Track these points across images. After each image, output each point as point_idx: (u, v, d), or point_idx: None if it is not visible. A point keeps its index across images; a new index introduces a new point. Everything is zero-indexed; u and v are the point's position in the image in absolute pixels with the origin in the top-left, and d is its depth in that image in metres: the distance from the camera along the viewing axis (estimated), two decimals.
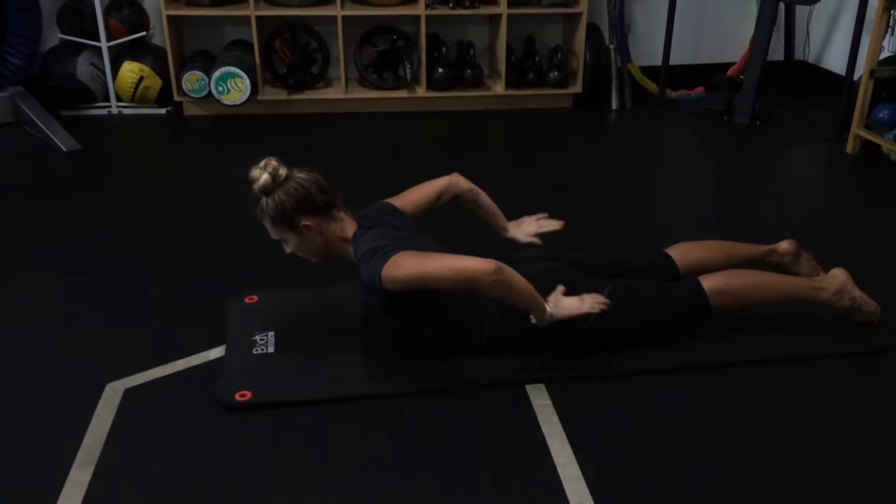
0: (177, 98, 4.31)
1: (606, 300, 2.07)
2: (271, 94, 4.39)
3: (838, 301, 2.33)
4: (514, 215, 2.45)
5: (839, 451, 1.94)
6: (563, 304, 2.05)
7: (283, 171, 2.08)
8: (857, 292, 2.34)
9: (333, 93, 4.44)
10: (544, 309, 2.03)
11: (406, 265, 1.96)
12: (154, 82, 4.30)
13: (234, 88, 4.15)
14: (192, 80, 4.17)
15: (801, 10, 4.73)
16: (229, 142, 4.12)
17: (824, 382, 2.20)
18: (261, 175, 2.06)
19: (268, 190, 2.06)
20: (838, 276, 2.35)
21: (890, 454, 1.93)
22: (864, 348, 2.32)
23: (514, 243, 2.42)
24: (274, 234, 2.15)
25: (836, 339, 2.36)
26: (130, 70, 4.26)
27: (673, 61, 4.55)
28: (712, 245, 2.47)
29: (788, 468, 1.88)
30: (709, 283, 2.24)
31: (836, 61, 4.62)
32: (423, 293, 2.05)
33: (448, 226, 2.40)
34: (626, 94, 4.64)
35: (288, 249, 2.18)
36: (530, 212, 2.45)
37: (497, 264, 1.91)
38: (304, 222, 2.09)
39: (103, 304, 2.54)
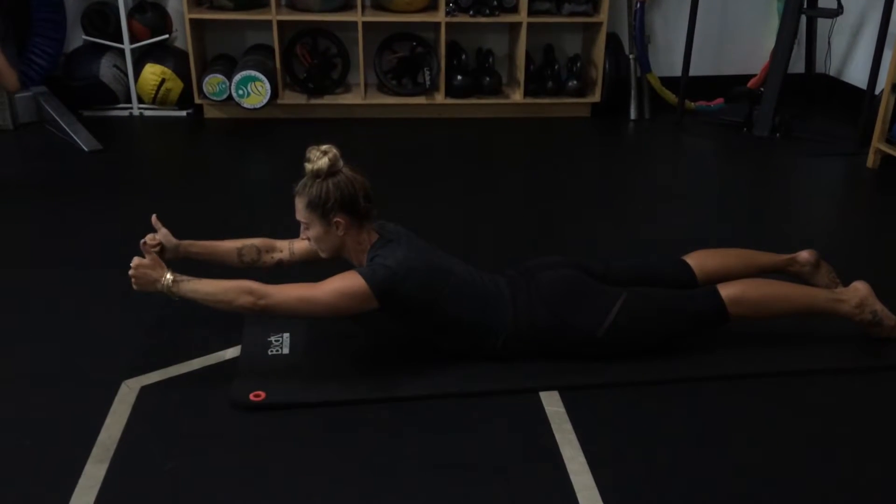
0: (197, 101, 4.34)
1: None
2: (291, 98, 4.41)
3: (859, 314, 2.30)
4: (529, 223, 2.44)
5: (856, 467, 1.92)
6: None
7: (340, 164, 2.09)
8: (878, 306, 2.31)
9: (353, 98, 4.46)
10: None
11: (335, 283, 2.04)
12: (175, 85, 4.34)
13: (255, 92, 4.18)
14: (213, 83, 4.20)
15: (822, 23, 4.71)
16: (248, 145, 4.13)
17: (841, 397, 2.17)
18: (319, 159, 2.06)
19: (320, 174, 2.06)
20: (860, 288, 2.32)
21: None
22: (883, 363, 2.29)
23: (525, 252, 2.39)
24: (300, 215, 2.13)
25: (855, 353, 2.33)
26: (152, 72, 4.30)
27: (693, 72, 4.53)
28: (731, 253, 2.45)
29: (802, 483, 1.86)
30: (727, 291, 2.22)
31: (857, 75, 4.59)
32: (429, 307, 2.09)
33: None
34: (644, 105, 4.63)
35: (305, 235, 2.17)
36: (545, 220, 2.43)
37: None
38: (336, 218, 2.09)
39: (120, 302, 2.55)
